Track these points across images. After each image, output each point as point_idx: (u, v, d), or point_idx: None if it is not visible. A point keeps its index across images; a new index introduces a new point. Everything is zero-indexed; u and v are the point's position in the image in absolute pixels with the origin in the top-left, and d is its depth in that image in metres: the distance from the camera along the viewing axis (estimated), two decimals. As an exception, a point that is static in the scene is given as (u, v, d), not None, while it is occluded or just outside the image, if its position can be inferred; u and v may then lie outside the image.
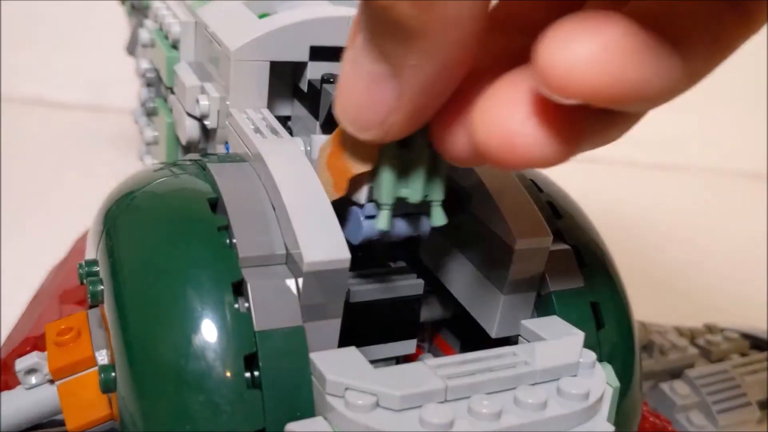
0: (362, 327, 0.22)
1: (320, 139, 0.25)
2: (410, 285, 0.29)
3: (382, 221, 0.23)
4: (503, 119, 0.18)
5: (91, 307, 0.25)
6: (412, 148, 0.23)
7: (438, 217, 0.24)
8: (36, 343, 0.34)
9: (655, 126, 0.38)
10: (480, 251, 0.27)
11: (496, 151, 0.18)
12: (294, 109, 0.32)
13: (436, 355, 0.34)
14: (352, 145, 0.23)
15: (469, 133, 0.19)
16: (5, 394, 0.25)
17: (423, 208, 0.25)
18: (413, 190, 0.23)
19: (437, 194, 0.24)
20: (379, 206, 0.23)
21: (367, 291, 0.28)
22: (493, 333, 0.27)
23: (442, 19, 0.18)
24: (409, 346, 0.30)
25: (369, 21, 0.19)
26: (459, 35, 0.18)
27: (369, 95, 0.20)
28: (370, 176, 0.23)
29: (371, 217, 0.24)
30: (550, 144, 0.18)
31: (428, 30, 0.18)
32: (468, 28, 0.18)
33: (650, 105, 0.19)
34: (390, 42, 0.19)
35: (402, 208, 0.24)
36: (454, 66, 0.19)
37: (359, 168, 0.23)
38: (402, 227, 0.25)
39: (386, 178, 0.23)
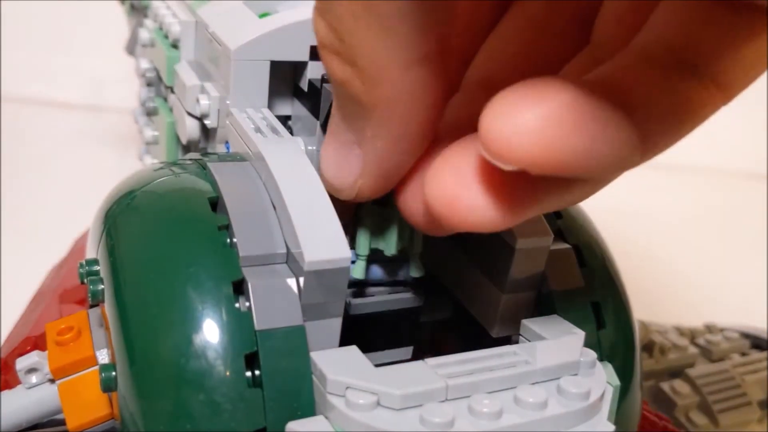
0: (360, 337, 0.22)
1: None
2: (410, 297, 0.29)
3: (357, 271, 0.26)
4: (448, 182, 0.19)
5: (92, 306, 0.25)
6: (388, 205, 0.24)
7: (414, 270, 0.26)
8: (36, 343, 0.34)
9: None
10: (480, 250, 0.27)
11: (441, 212, 0.19)
12: (294, 108, 0.32)
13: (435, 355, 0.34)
14: (332, 199, 0.24)
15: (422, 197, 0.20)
16: (5, 393, 0.25)
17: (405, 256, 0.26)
18: (388, 244, 0.25)
19: (415, 247, 0.26)
20: (356, 256, 0.25)
21: (367, 304, 0.28)
22: (494, 332, 0.27)
23: (386, 96, 0.19)
24: (406, 352, 0.30)
25: (336, 94, 0.21)
26: (405, 111, 0.19)
27: (340, 161, 0.21)
28: (349, 228, 0.25)
29: (353, 262, 0.26)
30: (494, 209, 0.19)
31: (377, 104, 0.19)
32: (413, 106, 0.19)
33: (602, 174, 0.19)
34: (351, 114, 0.20)
35: (383, 256, 0.26)
36: (409, 137, 0.20)
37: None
38: (380, 274, 0.27)
39: (362, 231, 0.25)
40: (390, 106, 0.19)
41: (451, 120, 0.22)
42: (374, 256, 0.26)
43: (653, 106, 0.19)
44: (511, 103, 0.17)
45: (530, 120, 0.16)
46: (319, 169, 0.23)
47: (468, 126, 0.20)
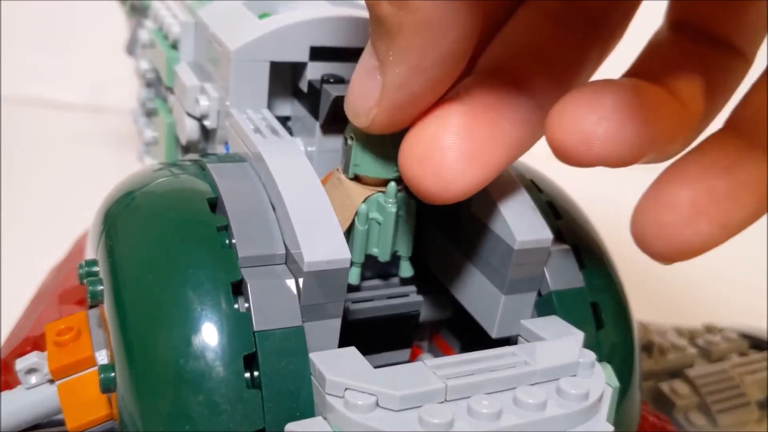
0: (359, 340, 0.23)
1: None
2: (409, 302, 0.29)
3: (353, 276, 0.26)
4: (584, 118, 0.20)
5: (91, 307, 0.25)
6: (382, 213, 0.25)
7: (405, 270, 0.28)
8: (36, 343, 0.34)
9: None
10: (480, 251, 0.27)
11: (573, 148, 0.20)
12: (294, 109, 0.32)
13: (435, 354, 0.34)
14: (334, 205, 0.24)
15: (546, 133, 0.21)
16: (5, 393, 0.25)
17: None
18: (382, 250, 0.26)
19: (404, 251, 0.27)
20: (351, 262, 0.26)
21: (365, 309, 0.28)
22: (494, 333, 0.27)
23: (415, 19, 0.19)
24: (403, 354, 0.30)
25: (369, 16, 0.21)
26: (427, 39, 0.20)
27: (361, 85, 0.22)
28: (346, 235, 0.25)
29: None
30: (626, 143, 0.20)
31: (403, 28, 0.20)
32: (434, 35, 0.20)
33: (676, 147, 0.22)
34: (378, 36, 0.21)
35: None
36: (426, 70, 0.21)
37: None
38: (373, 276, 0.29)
39: (359, 240, 0.26)
40: (414, 31, 0.20)
41: (464, 94, 0.23)
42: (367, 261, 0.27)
43: (694, 78, 0.21)
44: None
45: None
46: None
47: (479, 101, 0.22)
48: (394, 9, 0.20)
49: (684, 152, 0.21)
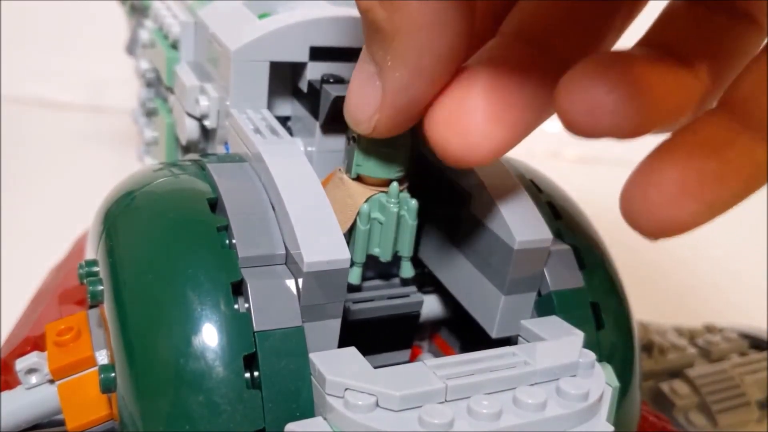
0: (359, 341, 0.23)
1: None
2: (410, 303, 0.29)
3: (354, 276, 0.26)
4: (590, 89, 0.20)
5: (91, 307, 0.25)
6: (384, 213, 0.26)
7: (406, 270, 0.28)
8: (36, 343, 0.34)
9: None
10: (480, 251, 0.27)
11: (580, 119, 0.20)
12: (294, 109, 0.32)
13: (435, 355, 0.34)
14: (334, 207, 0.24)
15: (555, 103, 0.21)
16: (5, 393, 0.25)
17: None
18: (384, 250, 0.26)
19: (406, 251, 0.27)
20: (352, 262, 0.26)
21: (365, 309, 0.28)
22: (494, 333, 0.27)
23: (409, 22, 0.20)
24: (403, 355, 0.30)
25: (362, 23, 0.21)
26: (423, 41, 0.20)
27: (360, 92, 0.22)
28: (347, 235, 0.26)
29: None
30: (633, 115, 0.20)
31: (397, 32, 0.20)
32: (431, 36, 0.20)
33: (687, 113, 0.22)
34: (374, 42, 0.21)
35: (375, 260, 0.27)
36: (425, 70, 0.21)
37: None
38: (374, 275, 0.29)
39: (360, 240, 0.26)
40: (409, 34, 0.20)
41: (488, 58, 0.23)
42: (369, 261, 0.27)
43: (707, 49, 0.21)
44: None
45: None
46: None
47: (504, 63, 0.22)
48: (387, 13, 0.19)
49: (675, 130, 0.21)
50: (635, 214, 0.20)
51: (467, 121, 0.21)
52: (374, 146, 0.25)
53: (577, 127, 0.20)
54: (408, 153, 0.26)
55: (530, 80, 0.22)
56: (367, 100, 0.22)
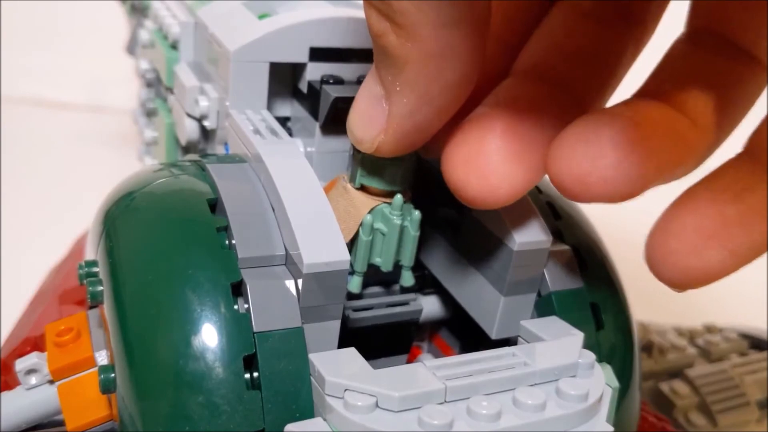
0: (358, 346, 0.23)
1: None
2: (409, 311, 0.29)
3: (354, 285, 0.26)
4: (580, 157, 0.20)
5: (91, 307, 0.25)
6: (387, 224, 0.25)
7: (407, 279, 0.28)
8: (36, 344, 0.34)
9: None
10: (480, 252, 0.27)
11: (572, 186, 0.20)
12: (293, 110, 0.32)
13: (435, 355, 0.34)
14: (337, 216, 0.24)
15: (547, 168, 0.21)
16: (5, 394, 0.25)
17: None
18: (385, 260, 0.26)
19: (407, 261, 0.27)
20: (353, 271, 0.26)
21: (365, 318, 0.28)
22: (493, 334, 0.27)
23: (421, 50, 0.19)
24: (400, 360, 0.30)
25: (374, 47, 0.21)
26: (433, 70, 0.20)
27: (367, 111, 0.22)
28: (349, 245, 0.26)
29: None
30: (626, 180, 0.20)
31: (408, 60, 0.20)
32: (442, 66, 0.20)
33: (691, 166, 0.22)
34: (384, 67, 0.21)
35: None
36: (433, 99, 0.21)
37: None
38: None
39: (362, 250, 0.26)
40: (420, 62, 0.20)
41: (504, 98, 0.23)
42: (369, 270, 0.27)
43: (709, 93, 0.21)
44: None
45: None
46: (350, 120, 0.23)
47: (520, 103, 0.22)
48: (400, 41, 0.19)
49: (700, 178, 0.21)
50: (659, 265, 0.20)
51: (486, 163, 0.21)
52: (380, 158, 0.25)
53: (569, 194, 0.20)
54: (414, 166, 0.26)
55: (547, 118, 0.22)
56: (372, 122, 0.22)
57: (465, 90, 0.21)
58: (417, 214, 0.26)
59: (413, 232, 0.26)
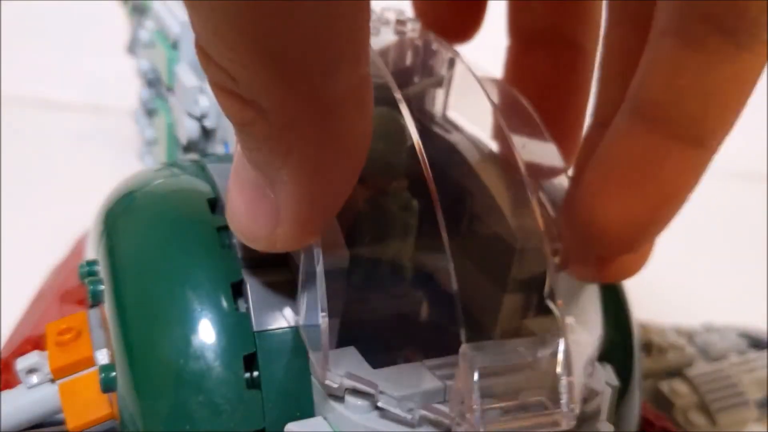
0: (356, 341, 0.23)
1: None
2: (408, 303, 0.29)
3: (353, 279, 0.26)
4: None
5: (92, 307, 0.25)
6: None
7: (405, 272, 0.27)
8: (37, 343, 0.34)
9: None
10: (480, 251, 0.27)
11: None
12: (294, 109, 0.32)
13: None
14: None
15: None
16: (5, 393, 0.25)
17: None
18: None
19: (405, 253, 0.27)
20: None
21: (363, 311, 0.28)
22: (494, 334, 0.27)
23: (301, 140, 0.15)
24: (402, 357, 0.30)
25: (236, 131, 0.16)
26: (333, 149, 0.16)
27: (249, 207, 0.18)
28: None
29: None
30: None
31: (291, 150, 0.15)
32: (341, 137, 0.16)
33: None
34: (259, 156, 0.16)
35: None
36: (335, 177, 0.17)
37: None
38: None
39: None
40: (307, 149, 0.16)
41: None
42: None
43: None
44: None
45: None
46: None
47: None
48: (275, 131, 0.15)
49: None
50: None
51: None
52: (374, 148, 0.25)
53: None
54: (409, 153, 0.26)
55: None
56: (260, 217, 0.17)
57: (366, 142, 0.17)
58: (415, 204, 0.26)
59: (411, 223, 0.26)
